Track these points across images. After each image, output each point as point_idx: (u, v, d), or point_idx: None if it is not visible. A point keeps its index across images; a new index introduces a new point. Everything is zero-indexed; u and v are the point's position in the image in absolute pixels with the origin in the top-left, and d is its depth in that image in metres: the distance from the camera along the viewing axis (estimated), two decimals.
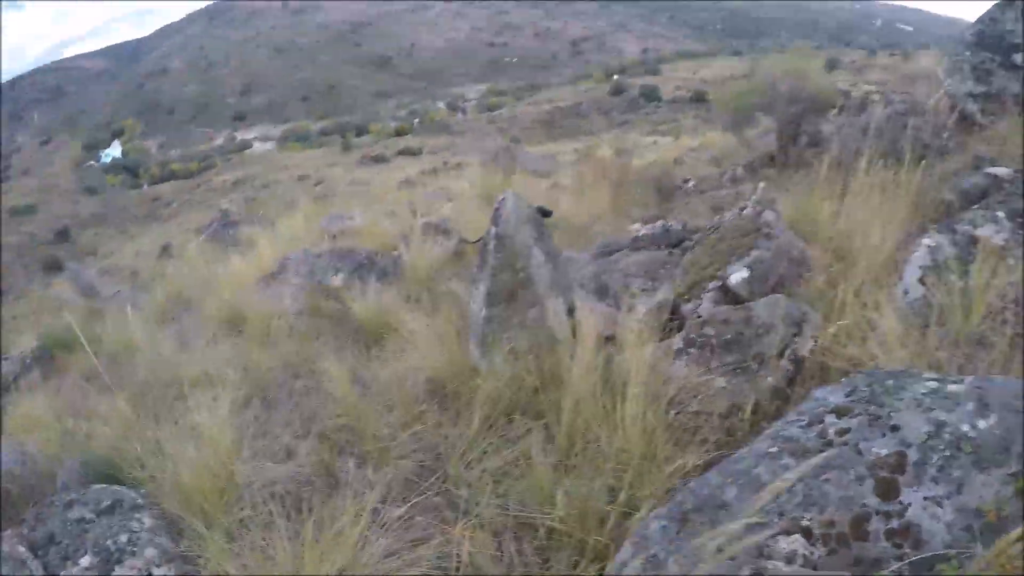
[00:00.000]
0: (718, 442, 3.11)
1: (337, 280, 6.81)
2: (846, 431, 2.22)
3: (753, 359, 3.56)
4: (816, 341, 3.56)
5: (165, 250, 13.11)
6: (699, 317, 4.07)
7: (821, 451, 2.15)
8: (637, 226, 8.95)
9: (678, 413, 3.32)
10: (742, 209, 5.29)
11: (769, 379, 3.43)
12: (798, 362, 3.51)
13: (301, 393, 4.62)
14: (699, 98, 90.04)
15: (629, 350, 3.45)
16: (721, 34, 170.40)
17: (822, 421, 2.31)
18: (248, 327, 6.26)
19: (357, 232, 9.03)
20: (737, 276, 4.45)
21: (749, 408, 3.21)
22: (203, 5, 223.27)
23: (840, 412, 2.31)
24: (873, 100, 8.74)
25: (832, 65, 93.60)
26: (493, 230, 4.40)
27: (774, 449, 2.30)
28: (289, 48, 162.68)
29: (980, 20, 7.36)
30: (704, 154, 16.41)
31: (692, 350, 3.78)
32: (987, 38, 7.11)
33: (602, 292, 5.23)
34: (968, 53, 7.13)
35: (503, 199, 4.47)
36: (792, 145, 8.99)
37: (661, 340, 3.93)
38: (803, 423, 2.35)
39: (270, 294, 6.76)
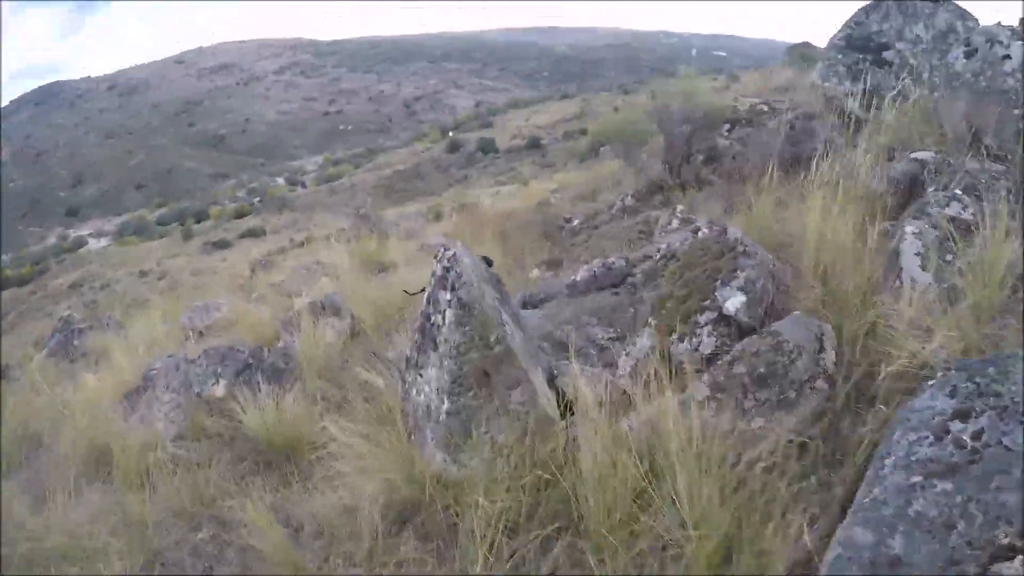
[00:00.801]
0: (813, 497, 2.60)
1: (219, 389, 5.71)
2: (980, 433, 2.06)
3: (791, 387, 3.25)
4: (836, 354, 3.36)
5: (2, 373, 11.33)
6: (717, 356, 3.79)
7: (973, 462, 1.99)
8: (537, 272, 8.40)
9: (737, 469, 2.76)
10: (695, 231, 4.79)
11: (811, 404, 3.15)
12: (830, 379, 3.26)
13: (211, 552, 3.62)
14: (534, 144, 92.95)
15: (643, 412, 3.02)
16: (550, 80, 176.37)
17: (948, 431, 2.12)
18: (118, 465, 5.08)
19: (228, 325, 7.94)
20: (734, 302, 4.08)
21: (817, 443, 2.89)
22: (30, 89, 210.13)
23: (962, 415, 2.13)
24: (762, 111, 8.68)
25: (655, 96, 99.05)
26: (448, 296, 3.72)
27: (917, 478, 2.04)
28: (119, 132, 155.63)
29: (846, 25, 7.85)
30: (566, 193, 16.22)
31: (720, 394, 3.35)
32: (855, 40, 7.62)
33: (561, 349, 4.54)
34: (840, 56, 7.60)
35: (452, 254, 3.81)
36: (685, 164, 8.70)
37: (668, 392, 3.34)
38: (928, 439, 2.13)
39: (137, 418, 5.63)
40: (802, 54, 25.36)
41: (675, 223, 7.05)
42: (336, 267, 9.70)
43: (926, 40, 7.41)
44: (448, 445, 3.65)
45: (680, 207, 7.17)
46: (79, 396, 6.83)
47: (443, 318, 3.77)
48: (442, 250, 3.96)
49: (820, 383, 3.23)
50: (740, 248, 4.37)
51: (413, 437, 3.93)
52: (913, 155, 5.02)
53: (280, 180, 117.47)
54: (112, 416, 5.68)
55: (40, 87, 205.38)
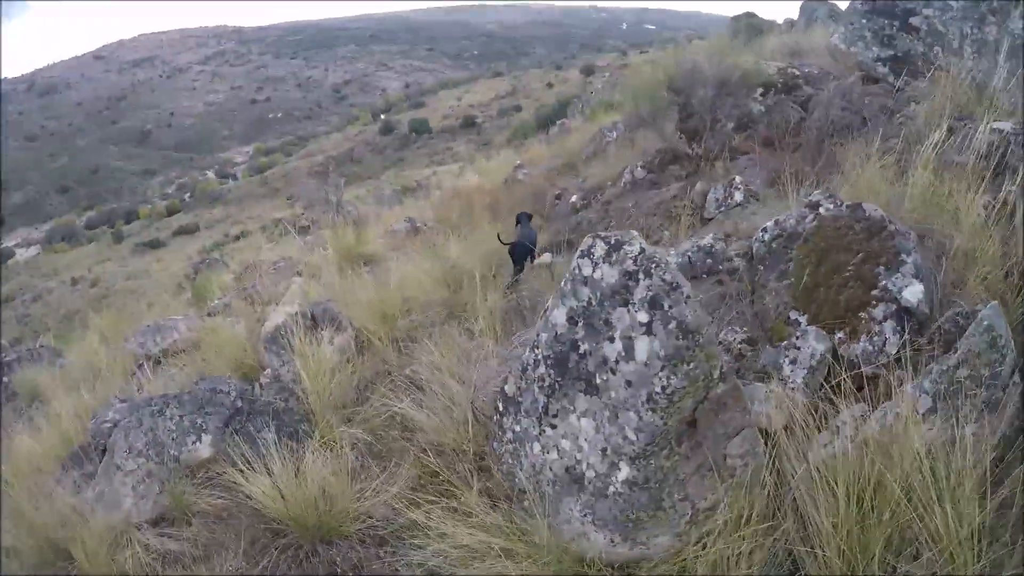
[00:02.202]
0: None
1: (203, 448, 4.27)
2: None
3: (999, 387, 2.80)
4: None
5: None
6: (940, 358, 3.04)
7: None
8: (548, 256, 7.31)
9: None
10: (812, 207, 3.78)
11: (1015, 404, 2.77)
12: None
13: None
14: (469, 123, 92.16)
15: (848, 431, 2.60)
16: (480, 59, 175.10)
17: None
18: (81, 570, 3.74)
19: (189, 347, 6.58)
20: (913, 291, 3.38)
21: None
22: None
23: None
24: (794, 76, 7.74)
25: (589, 71, 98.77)
26: (644, 317, 2.70)
27: None
28: (41, 134, 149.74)
29: None
30: (533, 170, 15.12)
31: (941, 404, 2.81)
32: (879, 6, 7.33)
33: None
34: (865, 21, 7.33)
35: (641, 252, 2.77)
36: (709, 131, 7.65)
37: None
38: None
39: (94, 495, 4.32)
40: (748, 24, 24.56)
41: (737, 196, 6.01)
42: (309, 264, 8.40)
43: (955, 7, 7.00)
44: (622, 523, 2.68)
45: (738, 177, 6.14)
46: (14, 466, 5.41)
47: (626, 349, 2.68)
48: (611, 243, 2.79)
49: (1016, 378, 2.84)
50: (891, 227, 3.56)
51: (527, 506, 2.94)
52: (995, 125, 4.68)
53: (210, 174, 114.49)
54: (59, 494, 4.33)
55: None
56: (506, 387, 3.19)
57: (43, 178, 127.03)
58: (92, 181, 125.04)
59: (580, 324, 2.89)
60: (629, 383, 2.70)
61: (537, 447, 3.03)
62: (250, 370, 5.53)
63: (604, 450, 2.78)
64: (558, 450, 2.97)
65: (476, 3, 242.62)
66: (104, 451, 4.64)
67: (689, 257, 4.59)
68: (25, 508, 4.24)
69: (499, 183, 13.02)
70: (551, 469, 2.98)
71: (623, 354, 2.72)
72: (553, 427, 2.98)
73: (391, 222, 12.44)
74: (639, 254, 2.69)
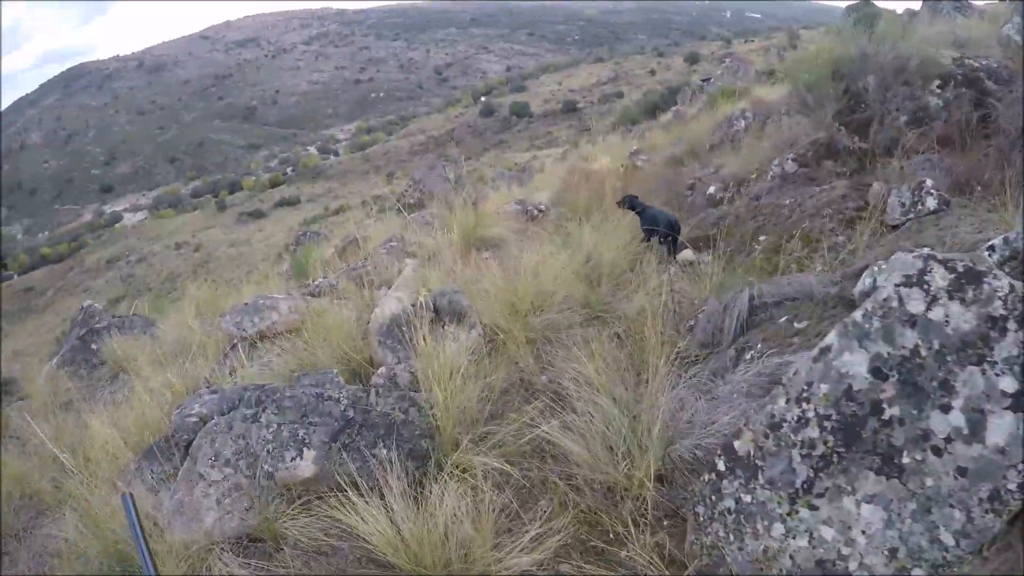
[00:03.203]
0: None
1: (304, 466, 3.50)
2: None
3: None
4: None
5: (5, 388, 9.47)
6: None
7: None
8: (689, 252, 6.47)
9: None
10: None
11: None
12: None
13: None
14: (570, 108, 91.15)
15: None
16: (580, 44, 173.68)
17: None
18: None
19: (294, 330, 5.97)
20: None
21: None
22: (55, 72, 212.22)
23: None
24: (975, 68, 6.63)
25: (693, 59, 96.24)
26: None
27: None
28: (151, 109, 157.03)
29: None
30: (653, 156, 14.18)
31: None
32: None
33: None
34: None
35: None
36: (879, 125, 6.65)
37: None
38: None
39: (171, 503, 3.67)
40: (867, 13, 22.84)
41: (930, 202, 5.02)
42: (423, 246, 7.69)
43: None
44: None
45: (928, 180, 5.15)
46: (88, 454, 4.88)
47: (970, 426, 1.98)
48: (961, 270, 2.03)
49: None
50: None
51: None
52: None
53: (312, 149, 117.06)
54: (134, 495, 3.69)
55: (68, 70, 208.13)
56: (737, 443, 2.37)
57: (151, 149, 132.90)
58: (198, 153, 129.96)
59: (892, 380, 2.06)
60: (962, 471, 1.90)
61: (779, 529, 2.21)
62: (359, 365, 4.82)
63: (894, 551, 1.96)
64: (812, 538, 2.13)
65: None
66: (187, 448, 4.02)
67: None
68: (95, 506, 3.65)
69: (615, 169, 12.10)
70: (793, 559, 2.15)
71: (964, 432, 1.93)
72: (813, 509, 2.14)
73: (501, 203, 11.73)
74: (1009, 293, 1.87)
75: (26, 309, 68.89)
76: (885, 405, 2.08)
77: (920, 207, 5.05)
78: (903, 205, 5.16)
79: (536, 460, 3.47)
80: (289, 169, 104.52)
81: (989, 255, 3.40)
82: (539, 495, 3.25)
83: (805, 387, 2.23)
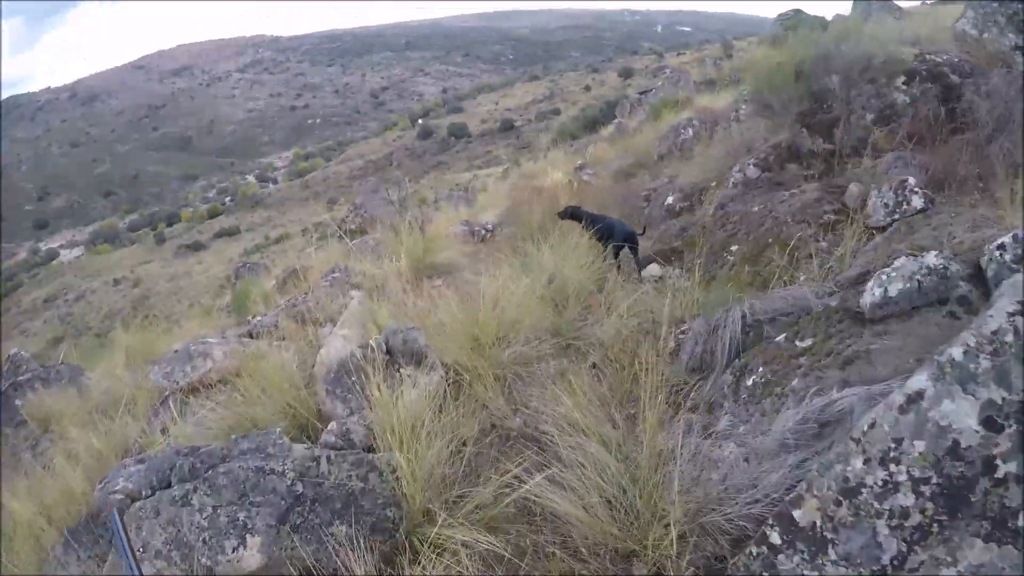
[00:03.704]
0: None
1: (249, 555, 2.91)
2: None
3: None
4: None
5: None
6: None
7: None
8: (656, 267, 6.07)
9: None
10: None
11: None
12: None
13: None
14: (508, 127, 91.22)
15: None
16: (515, 63, 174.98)
17: None
18: None
19: (231, 377, 5.35)
20: None
21: None
22: None
23: None
24: (937, 63, 6.41)
25: (627, 74, 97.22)
26: None
27: None
28: (85, 141, 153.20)
29: None
30: (599, 169, 13.85)
31: None
32: None
33: None
34: (996, 4, 6.45)
35: None
36: (844, 124, 6.37)
37: None
38: None
39: None
40: (801, 20, 23.10)
41: (916, 201, 4.68)
42: (369, 275, 7.11)
43: None
44: None
45: (911, 179, 4.82)
46: (9, 536, 4.28)
47: None
48: None
49: None
50: None
51: None
52: None
53: (251, 178, 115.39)
54: None
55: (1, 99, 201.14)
56: (798, 512, 1.94)
57: (86, 183, 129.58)
58: (134, 185, 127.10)
59: (1008, 432, 1.65)
60: None
61: None
62: (305, 418, 4.29)
63: None
64: None
65: (508, 7, 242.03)
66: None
67: (919, 282, 3.30)
68: None
69: (566, 183, 11.73)
70: None
71: None
72: None
73: (447, 225, 11.25)
74: None
75: None
76: (999, 461, 1.66)
77: (906, 207, 4.71)
78: (887, 206, 4.83)
79: (524, 524, 2.96)
80: (228, 199, 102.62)
81: (1000, 254, 3.07)
82: (534, 567, 2.75)
83: (892, 445, 1.80)
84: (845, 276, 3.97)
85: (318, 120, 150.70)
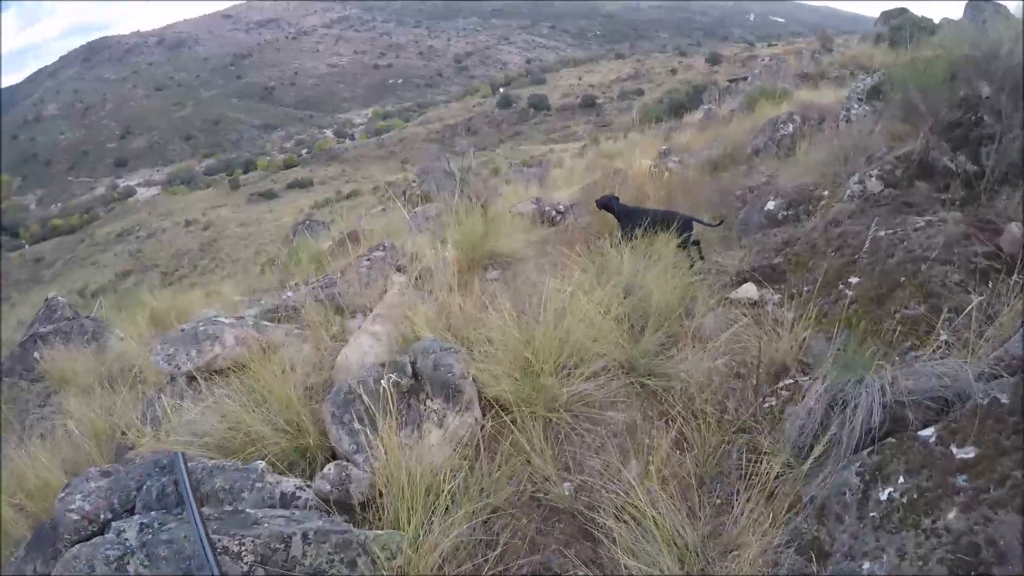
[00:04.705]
0: None
1: None
2: None
3: None
4: None
5: None
6: None
7: None
8: (753, 289, 5.05)
9: None
10: None
11: None
12: None
13: None
14: (589, 103, 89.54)
15: None
16: (601, 39, 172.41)
17: None
18: None
19: (235, 367, 4.54)
20: None
21: None
22: (78, 45, 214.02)
23: None
24: None
25: (715, 60, 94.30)
26: None
27: None
28: (168, 85, 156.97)
29: None
30: (688, 157, 12.75)
31: None
32: None
33: None
34: None
35: None
36: (996, 143, 5.22)
37: None
38: None
39: None
40: (907, 20, 21.42)
41: None
42: (418, 256, 6.19)
43: None
44: None
45: None
46: None
47: None
48: None
49: None
50: None
51: None
52: None
53: (328, 132, 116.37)
54: None
55: (88, 43, 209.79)
56: None
57: (167, 125, 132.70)
58: (214, 131, 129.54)
59: None
60: None
61: None
62: (309, 443, 3.48)
63: None
64: None
65: None
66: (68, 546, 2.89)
67: None
68: None
69: (655, 172, 10.68)
70: None
71: None
72: None
73: (515, 201, 10.33)
74: None
75: (34, 279, 68.65)
76: None
77: None
78: None
79: None
80: (304, 151, 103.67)
81: None
82: None
83: None
84: (1011, 354, 2.94)
85: (400, 80, 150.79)
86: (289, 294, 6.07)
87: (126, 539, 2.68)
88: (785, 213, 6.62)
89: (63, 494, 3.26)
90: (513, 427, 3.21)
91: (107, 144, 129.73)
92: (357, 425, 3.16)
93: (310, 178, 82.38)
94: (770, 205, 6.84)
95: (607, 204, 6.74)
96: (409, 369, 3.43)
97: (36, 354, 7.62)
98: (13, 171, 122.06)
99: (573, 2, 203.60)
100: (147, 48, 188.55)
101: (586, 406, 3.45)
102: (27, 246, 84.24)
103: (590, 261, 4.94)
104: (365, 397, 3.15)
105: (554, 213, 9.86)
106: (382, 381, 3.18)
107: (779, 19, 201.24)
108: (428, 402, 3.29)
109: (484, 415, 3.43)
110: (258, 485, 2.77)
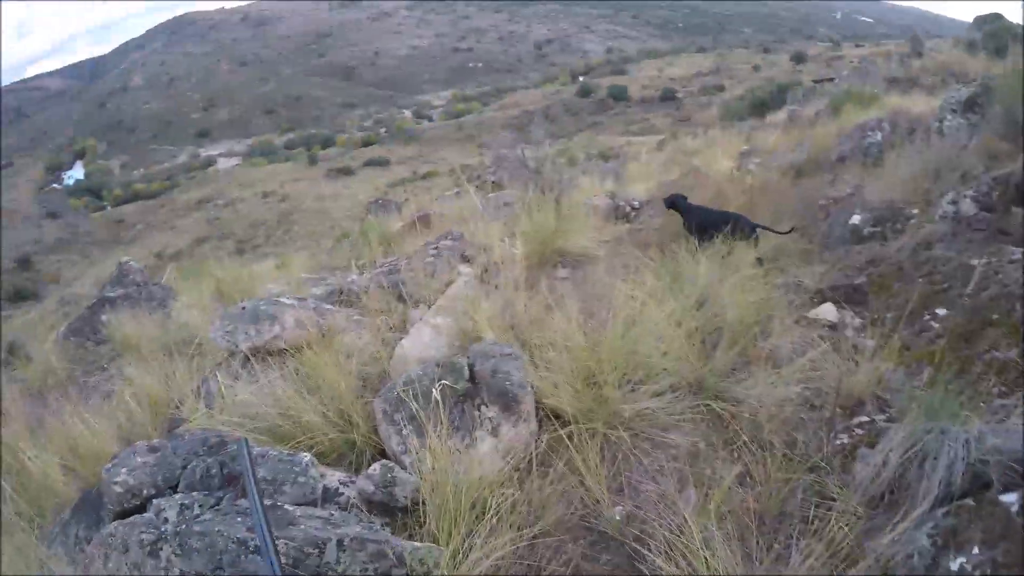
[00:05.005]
0: None
1: None
2: None
3: None
4: None
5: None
6: None
7: None
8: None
9: None
10: None
11: None
12: None
13: None
14: (669, 96, 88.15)
15: None
16: (684, 32, 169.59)
17: None
18: None
19: (296, 350, 4.46)
20: None
21: None
22: (164, 19, 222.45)
23: None
24: None
25: (799, 59, 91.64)
26: None
27: None
28: (251, 61, 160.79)
29: None
30: (769, 159, 12.32)
31: None
32: None
33: None
34: None
35: None
36: None
37: None
38: None
39: None
40: (1002, 26, 20.37)
41: None
42: (486, 249, 6.07)
43: None
44: None
45: None
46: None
47: None
48: None
49: None
50: None
51: None
52: None
53: (407, 113, 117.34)
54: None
55: (175, 17, 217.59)
56: None
57: (250, 99, 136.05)
58: (295, 107, 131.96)
59: None
60: None
61: None
62: (356, 436, 3.43)
63: None
64: None
65: None
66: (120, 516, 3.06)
67: None
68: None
69: (737, 175, 10.34)
70: None
71: None
72: None
73: (590, 194, 10.12)
74: None
75: (115, 240, 71.48)
76: None
77: None
78: None
79: None
80: (382, 130, 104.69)
81: None
82: None
83: None
84: None
85: (479, 64, 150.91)
86: (353, 276, 6.03)
87: (165, 519, 2.73)
88: (871, 229, 6.26)
89: (110, 464, 3.33)
90: (569, 443, 3.07)
91: (190, 115, 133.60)
92: (407, 427, 3.07)
93: (387, 157, 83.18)
94: (855, 219, 6.49)
95: (674, 203, 6.61)
96: (466, 372, 3.32)
97: (104, 317, 7.86)
98: (99, 137, 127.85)
99: None
100: (231, 24, 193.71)
101: (649, 425, 3.29)
102: (109, 207, 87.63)
103: (663, 266, 4.74)
104: (419, 398, 3.05)
105: (629, 209, 9.64)
106: (436, 386, 3.07)
107: (867, 19, 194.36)
108: (483, 408, 3.18)
109: (541, 427, 3.30)
110: (300, 480, 2.72)
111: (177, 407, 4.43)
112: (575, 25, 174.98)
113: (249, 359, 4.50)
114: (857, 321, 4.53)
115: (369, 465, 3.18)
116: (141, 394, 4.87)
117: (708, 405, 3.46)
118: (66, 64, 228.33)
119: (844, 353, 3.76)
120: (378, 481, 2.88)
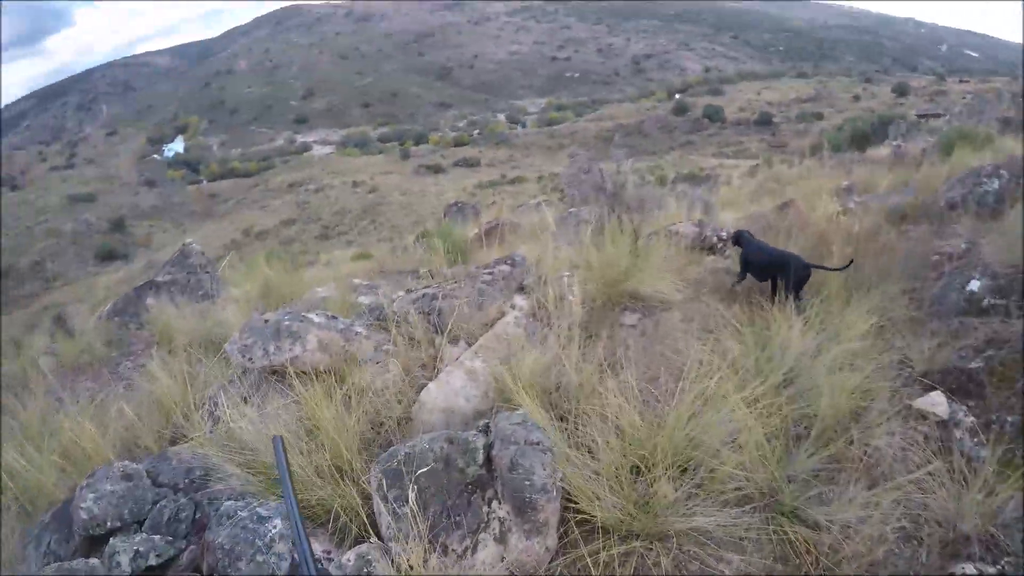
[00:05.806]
0: None
1: None
2: None
3: None
4: None
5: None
6: None
7: None
8: None
9: None
10: None
11: None
12: None
13: None
14: (765, 121, 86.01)
15: None
16: (784, 55, 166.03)
17: None
18: None
19: (316, 373, 3.98)
20: None
21: None
22: (271, 9, 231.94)
23: None
24: None
25: (902, 91, 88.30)
26: None
27: None
28: (352, 55, 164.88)
29: None
30: (874, 201, 11.30)
31: None
32: None
33: None
34: None
35: None
36: None
37: None
38: None
39: None
40: None
41: None
42: (546, 277, 5.36)
43: None
44: None
45: None
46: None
47: None
48: None
49: None
50: None
51: None
52: None
53: (501, 117, 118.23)
54: None
55: (281, 9, 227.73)
56: None
57: (348, 91, 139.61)
58: (392, 102, 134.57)
59: None
60: None
61: None
62: (350, 499, 2.89)
63: None
64: None
65: None
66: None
67: None
68: None
69: (844, 222, 9.40)
70: None
71: None
72: None
73: (675, 219, 9.35)
74: None
75: (207, 213, 74.65)
76: None
77: None
78: None
79: None
80: (475, 132, 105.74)
81: None
82: None
83: None
84: None
85: (576, 74, 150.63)
86: (400, 294, 5.46)
87: (117, 563, 2.81)
88: (992, 301, 5.33)
89: (84, 483, 3.28)
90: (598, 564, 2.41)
91: (290, 101, 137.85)
92: (400, 509, 2.49)
93: (478, 158, 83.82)
94: (974, 286, 5.57)
95: (738, 239, 5.97)
96: (480, 456, 2.73)
97: (149, 300, 7.66)
98: (201, 115, 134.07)
99: (758, 14, 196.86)
100: (336, 18, 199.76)
101: (700, 544, 2.63)
102: (205, 181, 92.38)
103: (750, 333, 3.99)
104: (419, 480, 2.48)
105: (716, 240, 8.88)
106: (442, 466, 2.48)
107: (973, 53, 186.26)
108: (494, 504, 2.58)
109: (563, 537, 2.67)
110: (259, 559, 2.28)
111: (185, 417, 4.06)
112: (674, 42, 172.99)
113: (264, 379, 4.06)
114: (970, 420, 3.69)
115: (359, 534, 2.76)
116: (153, 397, 4.67)
117: (779, 527, 2.77)
118: (174, 45, 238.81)
119: (954, 466, 2.98)
120: (355, 569, 2.33)
